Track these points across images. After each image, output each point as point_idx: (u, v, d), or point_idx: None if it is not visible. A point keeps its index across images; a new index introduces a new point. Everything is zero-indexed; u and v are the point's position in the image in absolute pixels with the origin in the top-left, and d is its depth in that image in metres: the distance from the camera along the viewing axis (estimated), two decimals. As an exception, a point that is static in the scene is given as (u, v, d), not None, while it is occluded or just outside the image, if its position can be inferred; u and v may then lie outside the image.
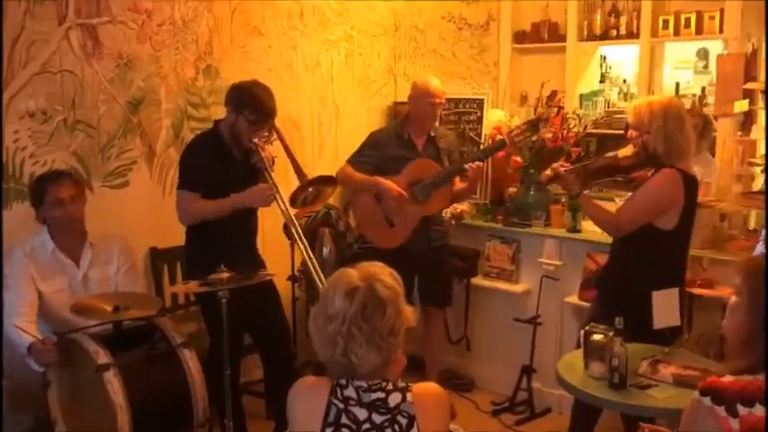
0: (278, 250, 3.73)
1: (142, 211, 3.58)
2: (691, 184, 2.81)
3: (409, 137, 3.75)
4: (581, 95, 5.21)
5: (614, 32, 4.99)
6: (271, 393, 3.44)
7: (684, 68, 5.25)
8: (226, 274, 2.74)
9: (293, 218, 2.97)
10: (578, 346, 2.73)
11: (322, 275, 2.87)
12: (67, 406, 2.81)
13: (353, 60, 4.57)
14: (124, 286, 3.11)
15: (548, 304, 3.84)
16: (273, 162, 3.14)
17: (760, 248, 3.10)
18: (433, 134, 3.79)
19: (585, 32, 5.10)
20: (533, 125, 3.66)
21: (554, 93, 4.27)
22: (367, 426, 1.68)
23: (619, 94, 5.35)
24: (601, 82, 5.37)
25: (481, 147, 4.17)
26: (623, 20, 4.94)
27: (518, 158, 3.94)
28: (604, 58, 5.39)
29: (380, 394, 1.69)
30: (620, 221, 2.87)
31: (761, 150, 4.22)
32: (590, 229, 3.56)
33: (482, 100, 4.38)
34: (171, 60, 3.68)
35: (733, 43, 4.39)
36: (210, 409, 2.91)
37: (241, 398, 3.36)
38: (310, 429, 1.70)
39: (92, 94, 3.41)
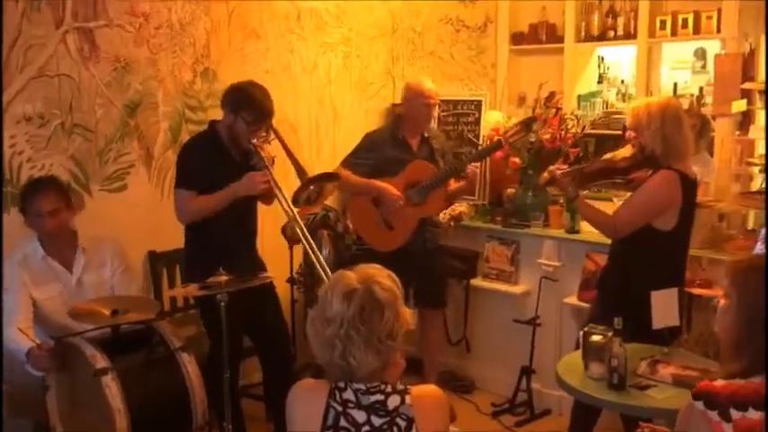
0: (277, 252, 3.72)
1: (140, 215, 3.57)
2: (689, 185, 2.81)
3: (404, 138, 3.75)
4: (579, 96, 5.21)
5: (612, 33, 4.99)
6: (270, 396, 3.43)
7: (682, 69, 5.25)
8: (224, 278, 2.73)
9: (297, 216, 2.96)
10: (577, 347, 2.72)
11: (329, 271, 2.85)
12: (66, 410, 2.81)
13: (351, 62, 4.57)
14: (120, 289, 3.10)
15: (547, 305, 3.83)
16: (273, 162, 3.13)
17: (759, 248, 3.10)
18: (426, 135, 3.79)
19: (583, 33, 5.11)
20: (526, 125, 3.68)
21: (552, 94, 4.27)
22: (366, 428, 1.67)
23: (617, 94, 5.35)
24: (599, 83, 5.38)
25: (479, 148, 4.17)
26: (621, 20, 4.94)
27: (516, 160, 3.94)
28: (602, 58, 5.39)
29: (379, 397, 1.69)
30: (617, 224, 2.87)
31: (759, 150, 4.22)
32: (589, 230, 3.56)
33: (480, 101, 4.38)
34: (168, 63, 3.68)
35: (730, 43, 4.39)
36: (210, 412, 2.91)
37: (240, 401, 3.35)
38: (309, 432, 1.69)
39: (89, 97, 3.41)
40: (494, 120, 4.28)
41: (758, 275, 1.77)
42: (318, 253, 2.96)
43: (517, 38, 5.41)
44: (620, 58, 5.39)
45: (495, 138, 3.76)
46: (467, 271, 4.15)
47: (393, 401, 1.68)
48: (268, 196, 3.14)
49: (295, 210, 2.96)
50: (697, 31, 4.62)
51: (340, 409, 1.69)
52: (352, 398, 1.69)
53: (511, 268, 4.04)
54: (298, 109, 4.30)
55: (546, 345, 3.85)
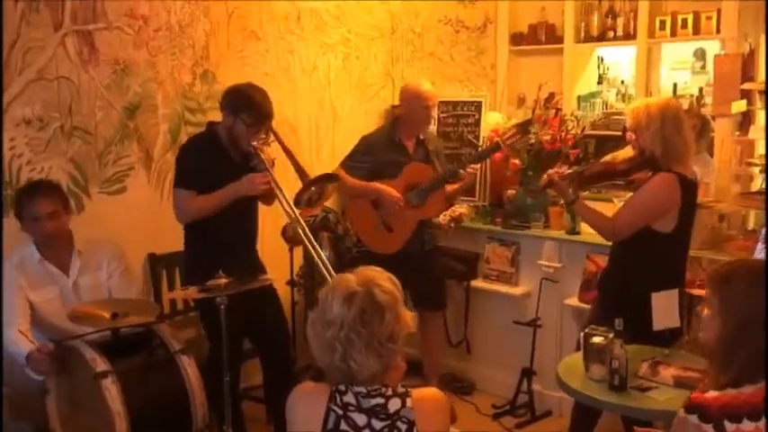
0: (277, 254, 3.72)
1: (140, 217, 3.57)
2: (688, 187, 2.80)
3: (400, 140, 3.75)
4: (579, 97, 5.21)
5: (611, 34, 4.99)
6: (270, 398, 3.43)
7: (682, 69, 5.25)
8: (224, 280, 2.72)
9: (299, 217, 2.96)
10: (578, 349, 2.72)
11: (332, 271, 2.84)
12: (66, 414, 2.80)
13: (351, 64, 4.57)
14: (118, 291, 3.09)
15: (547, 306, 3.83)
16: (273, 164, 3.13)
17: (760, 249, 3.09)
18: (422, 137, 3.79)
19: (583, 34, 5.11)
20: (523, 127, 3.69)
21: (552, 95, 4.27)
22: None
23: (617, 95, 5.35)
24: (598, 83, 5.37)
25: (479, 149, 4.17)
26: (620, 21, 4.94)
27: (516, 161, 3.94)
28: (602, 59, 5.39)
29: (380, 400, 1.68)
30: (615, 226, 2.87)
31: (759, 150, 4.22)
32: (589, 231, 3.54)
33: (480, 102, 4.37)
34: (168, 66, 3.68)
35: (730, 43, 4.39)
36: (210, 415, 2.90)
37: (241, 404, 3.34)
38: (309, 436, 1.69)
39: (88, 100, 3.41)
40: (494, 121, 4.28)
41: (738, 280, 1.74)
42: (321, 253, 2.95)
43: (517, 38, 5.41)
44: (620, 59, 5.39)
45: (495, 140, 3.76)
46: (467, 272, 4.15)
47: (394, 404, 1.68)
48: (268, 197, 3.13)
49: (297, 211, 2.95)
50: (696, 31, 4.62)
51: (340, 412, 1.68)
52: (353, 401, 1.68)
53: (511, 269, 4.03)
54: (297, 110, 4.29)
55: (546, 346, 3.84)
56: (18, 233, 2.99)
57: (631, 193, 2.96)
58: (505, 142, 3.67)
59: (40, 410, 2.80)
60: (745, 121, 4.35)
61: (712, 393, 1.69)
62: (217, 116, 3.20)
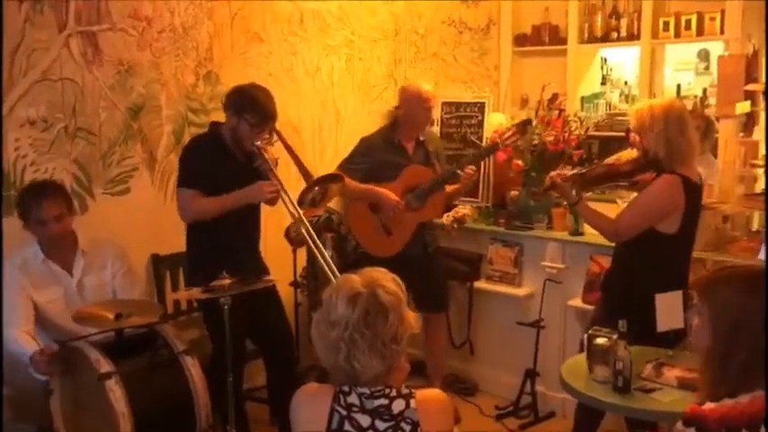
0: (280, 255, 3.72)
1: (144, 218, 3.58)
2: (692, 189, 2.80)
3: (399, 142, 3.74)
4: (582, 98, 5.21)
5: (615, 34, 4.99)
6: (274, 399, 3.43)
7: (685, 70, 5.25)
8: (227, 281, 2.73)
9: (303, 217, 2.96)
10: (582, 350, 2.71)
11: (336, 271, 2.84)
12: (70, 414, 2.81)
13: (354, 65, 4.57)
14: (122, 291, 3.10)
15: (551, 307, 3.82)
16: (276, 164, 3.13)
17: (763, 251, 3.09)
18: (422, 138, 3.79)
19: (586, 35, 5.11)
20: (522, 127, 3.69)
21: (555, 95, 4.26)
22: (370, 432, 1.67)
23: (620, 96, 5.35)
24: (602, 84, 5.38)
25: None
26: (624, 22, 4.94)
27: (519, 162, 3.94)
28: (605, 60, 5.39)
29: (384, 401, 1.68)
30: (618, 228, 2.87)
31: (763, 151, 4.21)
32: (592, 232, 3.54)
33: (483, 103, 4.37)
34: (171, 67, 3.69)
35: (734, 44, 4.38)
36: (213, 415, 2.91)
37: (244, 404, 3.35)
38: (313, 437, 1.69)
39: (92, 101, 3.41)
40: (497, 122, 4.28)
41: (726, 287, 1.71)
42: (325, 253, 2.96)
43: (520, 39, 5.41)
44: (624, 60, 5.39)
45: (496, 140, 3.76)
46: (470, 273, 4.14)
47: (398, 405, 1.68)
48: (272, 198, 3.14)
49: (301, 211, 2.96)
50: (700, 32, 4.62)
51: (344, 413, 1.68)
52: (357, 402, 1.68)
53: (514, 270, 4.03)
54: (300, 112, 4.30)
55: (550, 347, 3.84)
56: (21, 233, 3.00)
57: (635, 194, 2.96)
58: (504, 142, 3.68)
59: (43, 411, 2.81)
60: (749, 122, 4.34)
61: (709, 405, 1.66)
62: (220, 117, 3.20)
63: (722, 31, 4.49)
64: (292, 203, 2.95)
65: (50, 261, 2.98)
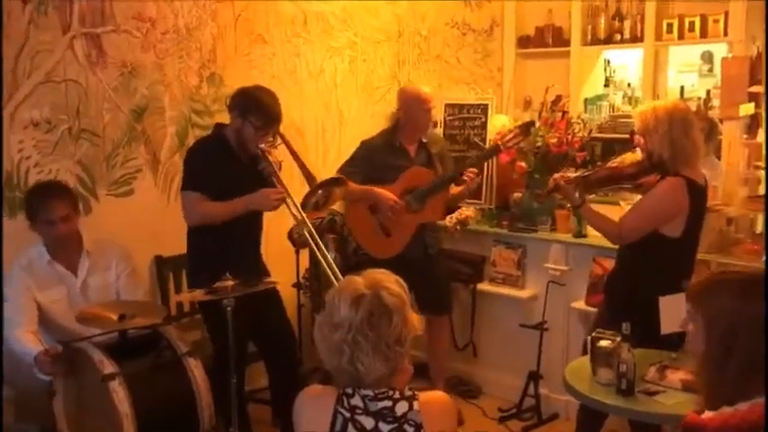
0: (283, 257, 3.72)
1: (147, 219, 3.58)
2: (697, 191, 2.79)
3: (401, 144, 3.74)
4: (585, 100, 5.20)
5: (618, 36, 4.98)
6: (277, 401, 3.43)
7: (689, 72, 5.24)
8: (230, 282, 2.73)
9: (307, 220, 2.96)
10: (585, 352, 2.71)
11: (339, 274, 2.83)
12: (73, 415, 2.81)
13: (357, 67, 4.58)
14: (125, 293, 3.11)
15: (554, 310, 3.82)
16: (280, 167, 3.13)
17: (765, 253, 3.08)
18: (424, 140, 3.78)
19: (589, 36, 5.10)
20: (524, 128, 3.68)
21: (558, 97, 4.26)
22: (374, 435, 1.67)
23: (623, 98, 5.34)
24: (605, 86, 5.36)
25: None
26: (627, 24, 4.93)
27: (523, 164, 3.94)
28: (608, 62, 5.38)
29: (387, 403, 1.68)
30: (623, 231, 2.86)
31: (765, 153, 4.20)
32: (596, 234, 3.53)
33: (486, 105, 4.36)
34: (175, 68, 3.69)
35: (738, 46, 4.37)
36: (216, 417, 2.91)
37: (246, 406, 3.34)
38: (317, 439, 1.69)
39: (96, 102, 3.42)
40: (500, 124, 4.28)
41: (719, 293, 1.70)
42: (328, 256, 2.96)
43: (523, 41, 5.40)
44: (627, 62, 5.38)
45: (497, 142, 3.76)
46: (473, 275, 4.14)
47: (401, 408, 1.68)
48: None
49: (305, 214, 2.96)
50: (704, 34, 4.61)
51: (348, 415, 1.68)
52: (360, 404, 1.68)
53: (518, 272, 4.03)
54: (304, 113, 4.30)
55: (553, 349, 3.83)
56: (25, 233, 3.01)
57: (639, 197, 2.95)
58: (506, 144, 3.67)
59: (46, 412, 2.81)
60: (753, 124, 4.33)
61: (708, 414, 1.65)
62: (223, 119, 3.20)
63: (726, 33, 4.48)
64: (296, 206, 2.95)
65: (56, 262, 2.99)
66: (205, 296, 2.75)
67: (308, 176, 3.02)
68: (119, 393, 2.61)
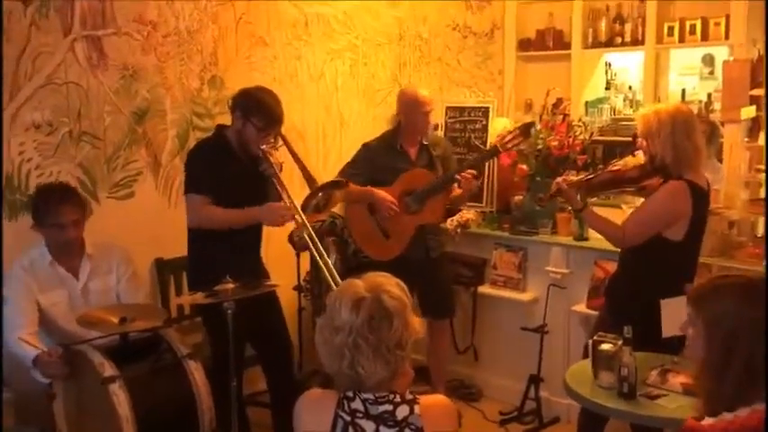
0: (283, 260, 3.72)
1: (148, 222, 3.58)
2: (699, 195, 2.78)
3: (402, 147, 3.74)
4: (586, 103, 5.20)
5: (619, 39, 4.98)
6: (275, 404, 3.41)
7: (690, 75, 5.24)
8: (231, 285, 2.72)
9: (307, 224, 2.95)
10: (586, 356, 2.70)
11: (338, 278, 2.83)
12: (73, 418, 2.81)
13: (358, 70, 4.58)
14: (126, 296, 3.10)
15: (555, 313, 3.81)
16: (281, 168, 3.13)
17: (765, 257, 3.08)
18: (425, 142, 3.77)
19: (590, 39, 5.10)
20: (524, 129, 3.67)
21: (559, 100, 4.26)
22: (374, 438, 1.66)
23: (624, 100, 5.33)
24: (606, 89, 5.36)
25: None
26: (628, 27, 4.93)
27: (524, 167, 3.93)
28: (609, 65, 5.38)
29: (388, 407, 1.68)
30: (626, 234, 2.86)
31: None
32: (597, 237, 3.53)
33: (487, 108, 4.37)
34: (176, 71, 3.69)
35: (739, 49, 4.37)
36: (216, 420, 2.90)
37: (245, 409, 3.34)
38: (317, 442, 1.69)
39: (97, 105, 3.42)
40: (501, 126, 4.27)
41: (721, 297, 1.69)
42: (327, 259, 2.96)
43: (524, 44, 5.41)
44: (628, 65, 5.38)
45: (493, 144, 3.75)
46: (474, 278, 4.14)
47: (402, 411, 1.67)
48: (277, 199, 3.13)
49: (305, 216, 2.95)
50: (705, 37, 4.61)
51: (348, 419, 1.68)
52: (361, 408, 1.68)
53: (518, 275, 4.02)
54: (305, 116, 4.30)
55: (554, 353, 3.83)
56: (26, 236, 3.00)
57: (640, 199, 2.95)
58: (505, 146, 3.67)
59: (45, 414, 2.81)
60: (755, 127, 4.32)
61: (708, 420, 1.64)
62: (225, 121, 3.20)
63: (727, 36, 4.48)
64: (296, 209, 2.95)
65: (57, 264, 2.99)
66: (206, 299, 2.74)
67: (309, 179, 3.01)
68: (119, 396, 2.60)
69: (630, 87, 5.36)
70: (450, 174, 3.67)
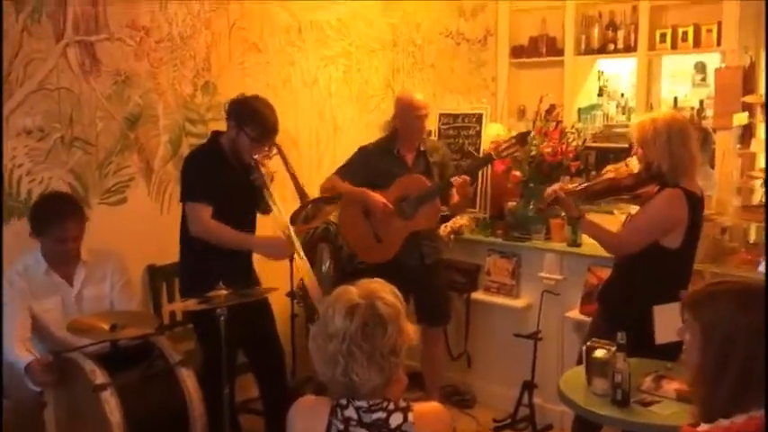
0: (276, 266, 3.69)
1: (140, 228, 3.56)
2: (695, 203, 2.79)
3: (399, 152, 3.73)
4: (579, 109, 5.21)
5: (612, 46, 4.99)
6: (268, 411, 3.39)
7: (682, 82, 5.26)
8: (224, 292, 2.71)
9: (295, 238, 2.99)
10: (580, 362, 2.70)
11: (316, 282, 2.87)
12: (64, 425, 2.78)
13: (351, 76, 4.58)
14: (120, 303, 3.08)
15: (549, 319, 3.81)
16: (273, 178, 3.12)
17: (764, 264, 3.08)
18: (422, 148, 3.77)
19: (583, 46, 5.11)
20: (521, 138, 3.68)
21: (552, 107, 4.27)
22: (368, 446, 1.65)
23: (617, 107, 5.35)
24: (599, 96, 5.38)
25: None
26: (621, 33, 4.95)
27: (517, 173, 3.94)
28: (601, 71, 5.39)
29: (381, 414, 1.67)
30: (622, 243, 2.86)
31: (760, 163, 4.21)
32: (590, 244, 3.53)
33: (481, 114, 4.36)
34: (169, 77, 3.68)
35: (731, 56, 4.38)
36: (208, 427, 2.88)
37: (237, 416, 3.32)
38: (310, 450, 1.68)
39: (89, 111, 3.40)
40: (494, 133, 4.28)
41: (716, 303, 1.67)
42: (309, 266, 2.99)
43: (517, 51, 5.42)
44: (620, 71, 5.40)
45: (489, 152, 3.75)
46: (467, 284, 4.14)
47: (395, 419, 1.66)
48: (266, 207, 3.13)
49: (291, 228, 2.97)
50: (697, 44, 4.63)
51: (342, 426, 1.67)
52: (354, 416, 1.67)
53: (512, 282, 4.02)
54: (298, 122, 4.29)
55: (548, 359, 3.82)
56: (16, 239, 2.98)
57: (634, 206, 2.95)
58: (500, 153, 3.67)
59: (37, 421, 2.78)
60: (747, 133, 4.34)
61: (703, 427, 1.63)
62: (217, 127, 3.20)
63: (719, 43, 4.49)
64: (289, 229, 2.98)
65: (52, 271, 2.97)
66: (198, 306, 2.73)
67: (301, 193, 3.02)
68: (110, 403, 2.58)
69: (623, 94, 5.38)
70: (445, 180, 3.67)
